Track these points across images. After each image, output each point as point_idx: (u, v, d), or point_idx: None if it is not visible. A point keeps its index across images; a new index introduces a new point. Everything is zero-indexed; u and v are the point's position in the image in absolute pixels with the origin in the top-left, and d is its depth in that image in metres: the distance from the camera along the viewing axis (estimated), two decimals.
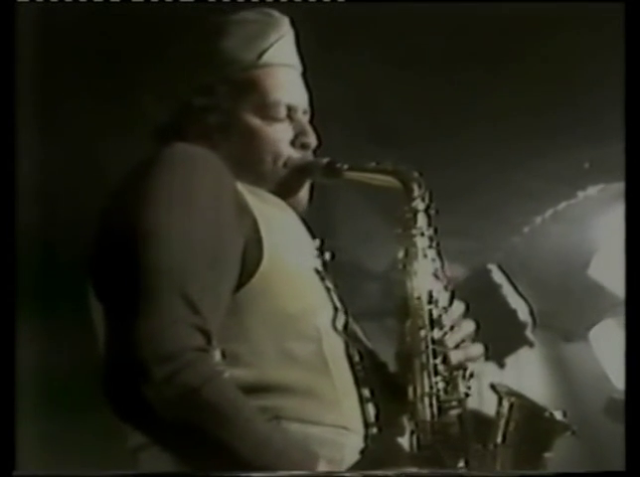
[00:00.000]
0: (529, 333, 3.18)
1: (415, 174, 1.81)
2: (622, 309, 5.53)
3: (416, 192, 1.78)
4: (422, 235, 1.80)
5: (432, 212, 1.81)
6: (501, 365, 3.24)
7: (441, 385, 1.73)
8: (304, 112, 1.87)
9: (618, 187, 4.85)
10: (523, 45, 4.05)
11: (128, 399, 1.49)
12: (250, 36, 1.79)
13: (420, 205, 1.80)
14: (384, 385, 1.79)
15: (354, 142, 3.71)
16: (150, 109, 1.89)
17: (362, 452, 1.70)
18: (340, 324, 1.77)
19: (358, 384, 1.75)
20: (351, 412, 1.75)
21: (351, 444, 1.71)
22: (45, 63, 3.33)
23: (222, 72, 1.78)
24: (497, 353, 3.13)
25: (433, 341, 1.73)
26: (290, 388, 1.67)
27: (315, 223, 1.93)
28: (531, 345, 3.32)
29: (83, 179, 3.36)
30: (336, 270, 1.88)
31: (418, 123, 4.33)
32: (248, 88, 1.78)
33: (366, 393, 1.75)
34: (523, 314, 3.15)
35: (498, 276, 3.24)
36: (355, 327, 1.84)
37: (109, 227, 1.64)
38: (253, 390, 1.63)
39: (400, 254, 1.81)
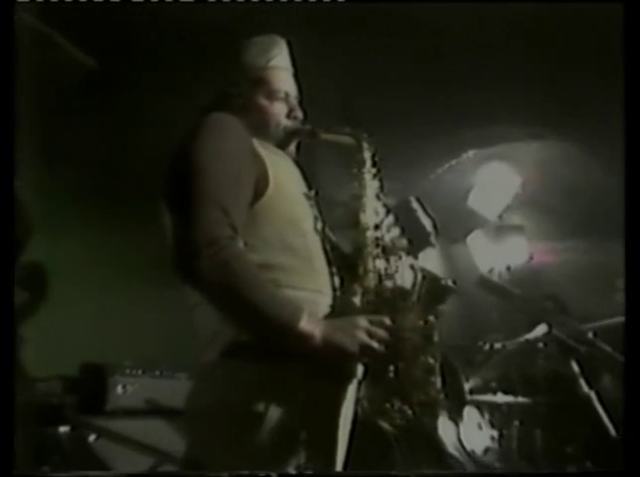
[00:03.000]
0: (432, 239, 3.58)
1: (365, 135, 2.32)
2: (489, 223, 7.51)
3: (365, 146, 2.29)
4: (369, 172, 2.27)
5: (377, 159, 2.30)
6: (415, 257, 3.30)
7: (380, 265, 2.16)
8: (295, 97, 2.37)
9: (487, 152, 6.15)
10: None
11: (188, 269, 1.91)
12: (262, 50, 2.34)
13: (368, 154, 2.28)
14: (345, 264, 2.18)
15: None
16: (201, 94, 2.38)
17: (332, 307, 2.10)
18: (319, 227, 2.19)
19: (329, 264, 2.16)
20: (324, 282, 2.13)
21: (324, 303, 2.09)
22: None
23: (245, 72, 2.32)
24: (413, 249, 3.42)
25: (376, 238, 2.19)
26: (285, 266, 2.07)
27: (304, 167, 2.38)
28: (433, 246, 3.62)
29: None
30: (317, 199, 2.30)
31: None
32: (261, 82, 2.31)
33: (334, 269, 2.16)
34: (429, 227, 3.61)
35: (414, 204, 3.68)
36: (328, 230, 2.23)
37: (175, 163, 2.07)
38: (262, 267, 2.01)
39: (356, 185, 2.25)
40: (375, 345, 1.97)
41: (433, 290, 2.17)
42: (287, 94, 2.35)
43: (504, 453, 4.22)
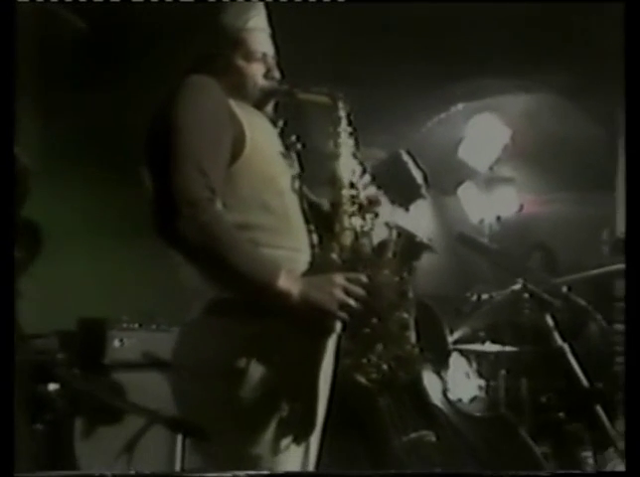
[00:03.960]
0: (423, 190, 3.51)
1: (341, 94, 2.33)
2: (480, 175, 7.64)
3: (341, 105, 2.31)
4: (345, 131, 2.29)
5: (352, 117, 2.31)
6: (407, 209, 3.52)
7: (355, 223, 2.18)
8: (273, 58, 2.37)
9: (476, 104, 6.23)
10: None
11: (168, 228, 1.94)
12: (240, 12, 2.33)
13: (343, 113, 2.30)
14: (322, 223, 2.20)
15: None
16: (181, 57, 2.38)
17: (310, 264, 2.13)
18: (296, 186, 2.21)
19: (307, 222, 2.19)
20: (302, 240, 2.16)
21: (302, 260, 2.13)
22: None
23: (223, 33, 2.31)
24: (404, 200, 3.54)
25: (352, 196, 2.21)
26: (263, 225, 2.09)
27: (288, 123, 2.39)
28: (424, 198, 3.56)
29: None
30: (297, 155, 2.32)
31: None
32: (239, 42, 2.31)
33: (311, 227, 2.19)
34: (420, 179, 3.50)
35: (405, 157, 3.52)
36: (305, 189, 2.25)
37: (154, 125, 2.10)
38: (241, 227, 2.03)
39: (332, 144, 2.27)
40: (351, 302, 2.01)
41: (408, 247, 2.21)
42: (265, 55, 2.35)
43: (491, 402, 4.27)
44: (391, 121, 5.87)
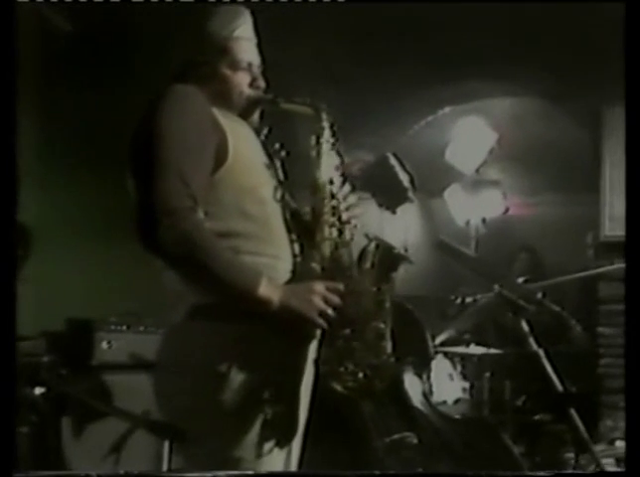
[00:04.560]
0: (410, 193, 3.79)
1: (324, 106, 2.33)
2: (466, 177, 7.71)
3: (324, 117, 2.30)
4: (328, 142, 2.29)
5: (335, 128, 2.31)
6: (394, 212, 3.97)
7: (335, 233, 2.20)
8: (258, 67, 2.37)
9: (463, 108, 6.26)
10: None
11: (149, 237, 1.95)
12: (226, 20, 2.33)
13: (327, 124, 2.30)
14: (303, 232, 2.22)
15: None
16: (166, 62, 2.38)
17: (292, 272, 2.15)
18: (279, 195, 2.22)
19: (289, 231, 2.20)
20: (283, 248, 2.17)
21: (283, 268, 2.14)
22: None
23: (209, 41, 2.30)
24: (392, 203, 3.86)
25: (332, 207, 2.22)
26: (244, 233, 2.11)
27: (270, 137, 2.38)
28: (412, 201, 3.96)
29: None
30: (281, 162, 2.33)
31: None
32: (225, 51, 2.30)
33: (293, 236, 2.21)
34: (406, 182, 3.81)
35: (392, 160, 3.86)
36: (288, 198, 2.25)
37: (138, 133, 2.11)
38: (222, 235, 2.05)
39: (314, 154, 2.27)
40: (329, 310, 2.04)
41: (387, 258, 2.23)
42: (250, 64, 2.36)
43: (475, 404, 4.33)
44: (377, 124, 5.95)
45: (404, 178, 4.09)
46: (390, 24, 5.36)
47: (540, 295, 4.03)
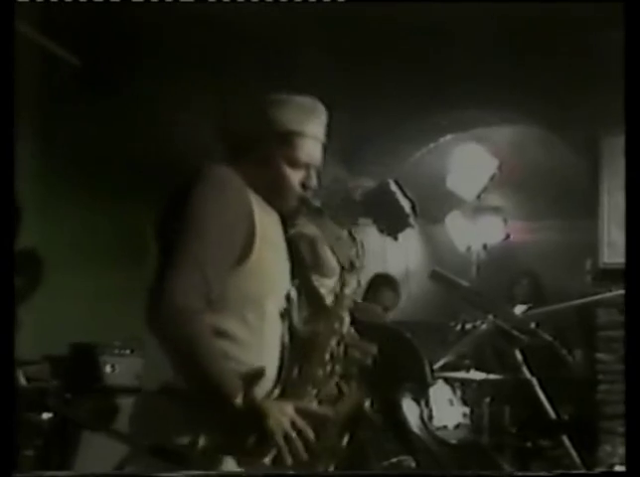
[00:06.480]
0: (411, 220, 3.18)
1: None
2: (468, 204, 7.75)
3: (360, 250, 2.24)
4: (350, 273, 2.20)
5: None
6: (395, 238, 3.35)
7: (337, 369, 2.16)
8: (316, 167, 2.21)
9: (464, 135, 6.23)
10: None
11: (152, 320, 1.90)
12: (299, 114, 2.18)
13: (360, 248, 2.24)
14: (299, 350, 2.16)
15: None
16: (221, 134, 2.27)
17: (273, 384, 2.09)
18: (282, 310, 2.15)
19: (282, 357, 2.14)
20: (271, 360, 2.11)
21: (266, 379, 2.05)
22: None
23: (276, 130, 2.16)
24: (393, 229, 3.22)
25: (338, 342, 2.15)
26: (238, 340, 2.06)
27: None
28: (412, 227, 3.27)
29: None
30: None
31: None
32: (288, 145, 2.16)
33: (285, 353, 2.15)
34: (408, 208, 3.20)
35: (393, 186, 3.21)
36: (293, 312, 2.19)
37: (170, 209, 2.04)
38: (217, 333, 2.01)
39: (337, 285, 2.19)
40: (293, 435, 1.98)
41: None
42: (309, 166, 2.21)
43: (474, 429, 4.35)
44: (381, 152, 6.00)
45: (406, 204, 4.04)
46: (389, 53, 5.47)
47: (533, 325, 4.05)
